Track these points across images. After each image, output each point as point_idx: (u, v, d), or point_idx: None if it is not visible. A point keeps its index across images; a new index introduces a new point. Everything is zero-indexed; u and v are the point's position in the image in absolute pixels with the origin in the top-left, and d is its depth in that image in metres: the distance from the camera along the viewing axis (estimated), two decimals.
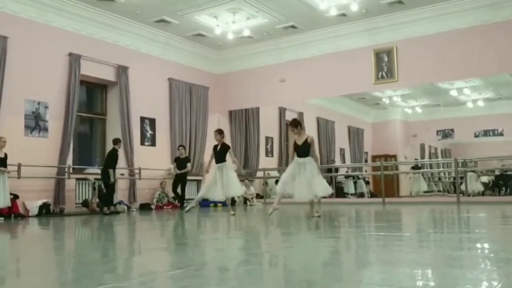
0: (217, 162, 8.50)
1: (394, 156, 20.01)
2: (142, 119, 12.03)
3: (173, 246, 4.67)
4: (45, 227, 7.19)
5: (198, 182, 13.07)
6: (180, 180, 11.55)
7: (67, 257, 4.05)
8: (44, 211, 9.24)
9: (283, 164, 16.27)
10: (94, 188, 10.36)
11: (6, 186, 8.15)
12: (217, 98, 14.07)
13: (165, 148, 12.47)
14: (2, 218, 8.16)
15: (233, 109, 14.51)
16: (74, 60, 10.33)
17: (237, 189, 8.68)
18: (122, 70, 11.41)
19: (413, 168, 17.07)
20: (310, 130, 17.51)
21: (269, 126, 15.88)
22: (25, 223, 7.82)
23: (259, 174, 14.54)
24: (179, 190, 11.54)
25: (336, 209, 9.97)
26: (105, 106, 11.75)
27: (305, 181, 6.95)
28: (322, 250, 3.99)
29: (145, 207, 11.32)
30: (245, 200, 13.00)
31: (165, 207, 11.48)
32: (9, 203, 8.23)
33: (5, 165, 8.24)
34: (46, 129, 9.82)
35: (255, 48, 13.43)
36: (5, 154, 8.31)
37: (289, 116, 16.76)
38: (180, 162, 11.68)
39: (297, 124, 7.27)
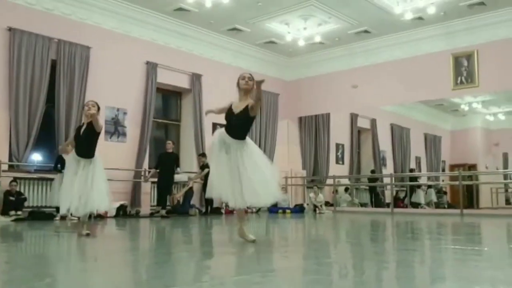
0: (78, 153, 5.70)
1: (474, 166, 18.93)
2: (214, 126, 12.29)
3: (240, 251, 4.70)
4: (122, 228, 7.54)
5: None
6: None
7: (140, 257, 4.21)
8: (121, 213, 9.71)
9: (354, 172, 15.92)
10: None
11: None
12: (287, 105, 14.07)
13: None
14: (76, 218, 8.62)
15: (303, 115, 14.44)
16: (151, 68, 10.81)
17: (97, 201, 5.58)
18: (196, 78, 11.76)
19: None
20: (384, 137, 17.04)
21: (340, 133, 15.63)
22: (103, 223, 8.25)
23: (329, 181, 14.33)
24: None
25: (410, 220, 9.58)
26: (180, 112, 12.16)
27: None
28: (394, 263, 3.83)
29: (216, 211, 11.48)
30: (315, 207, 12.84)
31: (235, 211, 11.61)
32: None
33: None
34: (124, 134, 10.34)
35: (326, 54, 13.31)
36: None
37: (362, 123, 16.42)
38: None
39: None
